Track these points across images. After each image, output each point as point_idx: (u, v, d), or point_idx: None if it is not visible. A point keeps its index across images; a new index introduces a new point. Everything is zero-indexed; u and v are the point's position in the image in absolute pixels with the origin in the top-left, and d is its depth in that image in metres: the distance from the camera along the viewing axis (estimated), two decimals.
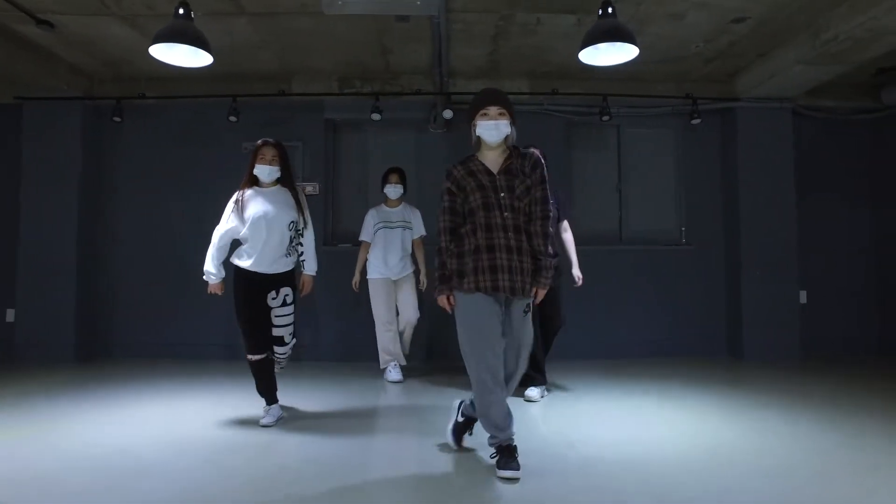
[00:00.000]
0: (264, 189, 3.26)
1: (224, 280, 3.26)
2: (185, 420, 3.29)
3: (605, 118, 5.37)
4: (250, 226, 3.16)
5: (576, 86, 5.53)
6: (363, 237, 4.56)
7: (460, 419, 2.73)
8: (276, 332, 3.22)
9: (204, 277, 3.25)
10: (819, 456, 2.69)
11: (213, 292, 3.27)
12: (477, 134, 2.54)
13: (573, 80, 5.52)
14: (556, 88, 5.53)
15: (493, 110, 2.50)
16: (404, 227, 4.51)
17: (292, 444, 2.90)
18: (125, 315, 5.56)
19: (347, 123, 5.86)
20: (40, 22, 4.16)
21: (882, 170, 5.79)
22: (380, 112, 5.30)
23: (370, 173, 5.76)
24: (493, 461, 2.47)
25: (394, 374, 4.36)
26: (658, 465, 2.56)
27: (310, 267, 3.39)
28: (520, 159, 2.55)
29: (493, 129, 2.50)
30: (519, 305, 2.50)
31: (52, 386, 4.23)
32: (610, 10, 3.37)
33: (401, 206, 4.55)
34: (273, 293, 3.19)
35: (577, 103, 5.59)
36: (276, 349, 3.27)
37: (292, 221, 3.24)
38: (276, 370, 3.33)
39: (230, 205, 3.26)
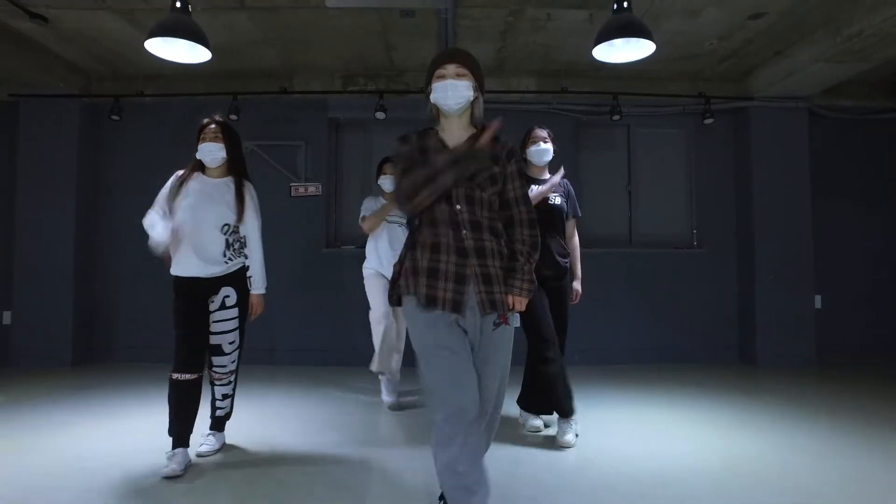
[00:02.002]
0: (208, 178, 2.75)
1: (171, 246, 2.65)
2: (157, 435, 2.83)
3: (616, 117, 5.23)
4: (176, 220, 2.65)
5: (585, 84, 5.38)
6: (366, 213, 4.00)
7: None
8: (213, 339, 2.70)
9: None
10: (847, 475, 2.54)
11: (160, 255, 2.62)
12: (431, 100, 1.98)
13: (582, 79, 5.38)
14: (564, 87, 5.38)
15: (450, 69, 1.94)
16: (400, 225, 4.00)
17: (282, 468, 2.75)
18: (123, 318, 5.44)
19: (351, 122, 5.72)
20: (33, 16, 4.03)
21: None
22: (384, 111, 5.16)
23: (374, 174, 5.61)
24: None
25: (385, 394, 3.89)
26: (675, 480, 2.42)
27: (257, 285, 2.80)
28: (490, 142, 1.96)
29: (448, 91, 1.92)
30: (488, 319, 1.92)
31: (40, 393, 4.11)
32: (626, 4, 3.22)
33: None
34: (213, 296, 2.69)
35: (587, 102, 5.44)
36: (214, 360, 2.75)
37: (226, 224, 2.70)
38: (218, 410, 2.83)
39: (170, 182, 2.75)
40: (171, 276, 2.69)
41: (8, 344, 5.18)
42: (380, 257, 3.93)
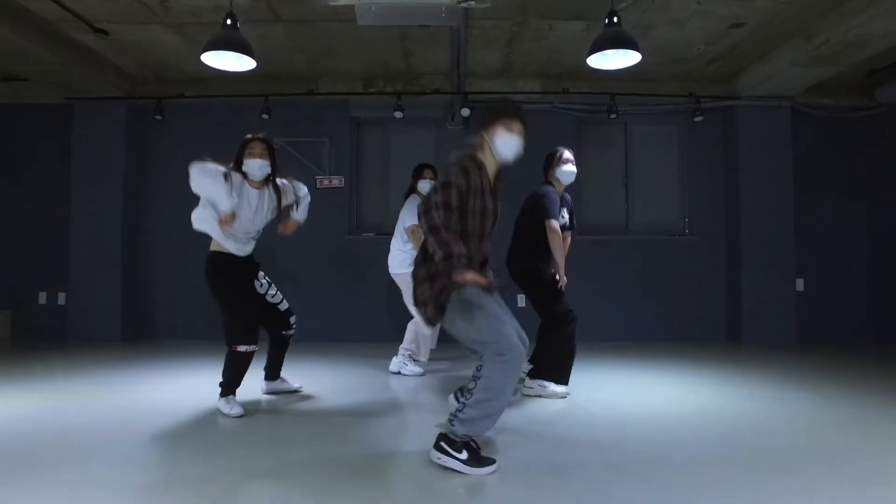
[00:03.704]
0: (251, 189, 3.08)
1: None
2: (211, 390, 3.31)
3: (613, 116, 5.72)
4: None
5: (585, 85, 5.88)
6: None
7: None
8: (282, 307, 3.33)
9: (203, 227, 3.13)
10: (800, 415, 3.05)
11: (228, 214, 3.00)
12: (496, 146, 2.33)
13: (582, 80, 5.87)
14: (566, 88, 5.88)
15: (517, 127, 2.34)
16: None
17: (321, 413, 3.29)
18: (165, 299, 6.00)
19: (371, 121, 6.25)
20: (97, 30, 4.58)
21: (877, 164, 6.09)
22: (402, 110, 5.68)
23: (392, 168, 6.17)
24: (463, 461, 2.17)
25: (417, 366, 4.30)
26: (653, 420, 2.94)
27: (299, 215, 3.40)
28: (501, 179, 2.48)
29: (514, 149, 2.35)
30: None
31: (100, 361, 4.68)
32: (616, 19, 3.73)
33: None
34: (256, 281, 3.24)
35: (587, 102, 5.94)
36: (291, 319, 3.37)
37: (259, 230, 3.22)
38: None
39: (220, 179, 3.00)
40: (212, 253, 3.13)
41: (64, 322, 5.78)
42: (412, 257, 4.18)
